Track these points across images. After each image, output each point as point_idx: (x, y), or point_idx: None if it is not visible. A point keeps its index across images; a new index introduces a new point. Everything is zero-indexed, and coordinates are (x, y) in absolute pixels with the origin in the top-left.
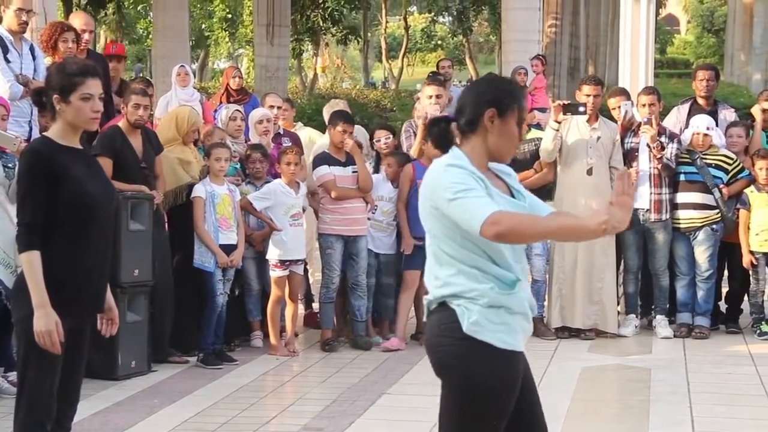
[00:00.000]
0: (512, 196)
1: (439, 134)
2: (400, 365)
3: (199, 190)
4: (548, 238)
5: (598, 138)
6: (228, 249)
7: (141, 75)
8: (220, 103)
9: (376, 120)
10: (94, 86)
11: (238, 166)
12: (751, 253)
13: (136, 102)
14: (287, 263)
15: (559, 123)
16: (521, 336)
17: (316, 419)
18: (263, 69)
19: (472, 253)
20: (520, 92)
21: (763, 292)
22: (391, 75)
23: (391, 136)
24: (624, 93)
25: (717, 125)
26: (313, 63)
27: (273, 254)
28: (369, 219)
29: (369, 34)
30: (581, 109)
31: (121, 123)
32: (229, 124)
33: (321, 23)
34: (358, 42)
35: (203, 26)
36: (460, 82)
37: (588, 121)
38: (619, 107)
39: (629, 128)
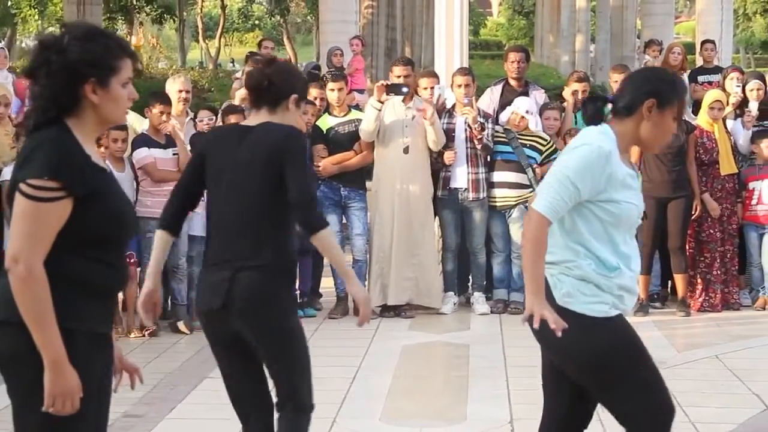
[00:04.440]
0: None
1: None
2: None
3: (6, 174)
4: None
5: (413, 117)
6: None
7: None
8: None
9: (195, 101)
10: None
11: None
12: None
13: None
14: None
15: (382, 103)
16: (611, 307)
17: (137, 406)
18: None
19: (584, 230)
20: (683, 88)
21: None
22: (208, 55)
23: (213, 117)
24: (435, 75)
25: None
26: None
27: None
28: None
29: (185, 14)
30: (404, 89)
31: None
32: None
33: (134, 2)
34: (174, 21)
35: (9, 3)
36: None
37: (403, 100)
38: (432, 89)
39: (442, 110)
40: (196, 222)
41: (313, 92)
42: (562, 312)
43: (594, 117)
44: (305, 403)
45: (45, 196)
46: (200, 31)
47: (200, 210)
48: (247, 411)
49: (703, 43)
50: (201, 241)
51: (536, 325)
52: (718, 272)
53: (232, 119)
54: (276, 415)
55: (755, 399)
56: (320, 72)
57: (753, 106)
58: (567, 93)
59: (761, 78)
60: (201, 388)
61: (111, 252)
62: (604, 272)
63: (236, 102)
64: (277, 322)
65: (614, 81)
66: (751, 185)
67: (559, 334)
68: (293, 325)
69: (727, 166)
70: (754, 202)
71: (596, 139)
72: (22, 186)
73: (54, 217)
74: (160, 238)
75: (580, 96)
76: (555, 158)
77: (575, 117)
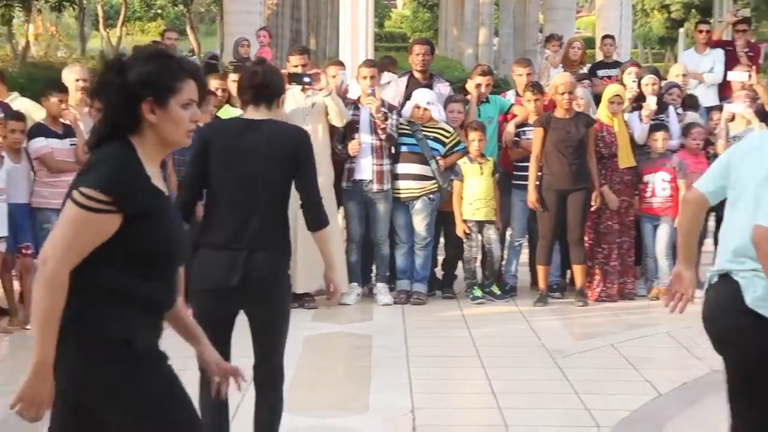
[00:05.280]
0: None
1: None
2: None
3: None
4: None
5: (314, 104)
6: None
7: None
8: None
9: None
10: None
11: None
12: (465, 221)
13: None
14: None
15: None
16: None
17: None
18: None
19: None
20: None
21: (476, 258)
22: (109, 44)
23: None
24: (341, 63)
25: None
26: (24, 30)
27: None
28: None
29: (85, 1)
30: (306, 79)
31: None
32: None
33: None
34: (74, 9)
35: None
36: (181, 52)
37: (303, 89)
38: (335, 77)
39: (344, 98)
40: None
41: (214, 83)
42: (750, 315)
43: None
44: (283, 374)
45: (93, 206)
46: (101, 19)
47: None
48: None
49: (603, 38)
50: None
51: None
52: (616, 263)
53: None
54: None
55: (648, 386)
56: (218, 62)
57: (651, 101)
58: (470, 86)
59: (656, 73)
60: None
61: (159, 270)
62: None
63: None
64: (285, 299)
65: (517, 74)
66: (646, 178)
67: None
68: (289, 304)
69: (626, 159)
70: (648, 194)
71: None
72: (74, 192)
73: (96, 228)
74: None
75: (483, 89)
76: (458, 150)
77: (479, 110)
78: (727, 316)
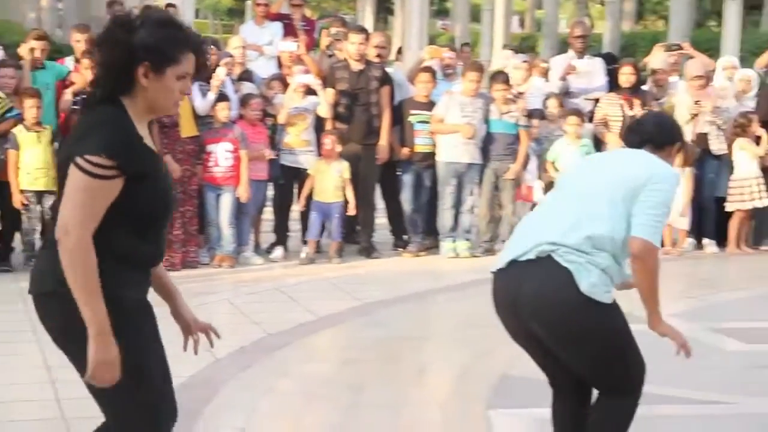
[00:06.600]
0: None
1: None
2: None
3: None
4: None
5: None
6: None
7: None
8: None
9: None
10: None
11: None
12: (23, 192)
13: None
14: None
15: None
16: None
17: None
18: None
19: (622, 232)
20: None
21: (35, 229)
22: None
23: None
24: None
25: None
26: None
27: None
28: None
29: None
30: None
31: None
32: None
33: None
34: None
35: None
36: None
37: None
38: None
39: None
40: None
41: None
42: (588, 301)
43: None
44: None
45: (100, 173)
46: None
47: None
48: None
49: (165, 6)
50: None
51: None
52: (179, 232)
53: None
54: None
55: (206, 352)
56: None
57: (221, 72)
58: (24, 50)
59: (215, 44)
60: None
61: (152, 229)
62: (616, 266)
63: None
64: None
65: (75, 41)
66: (209, 148)
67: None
68: None
69: (188, 128)
70: (211, 164)
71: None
72: (79, 160)
73: (106, 193)
74: None
75: (38, 54)
76: (11, 116)
77: (34, 76)
78: (567, 305)
